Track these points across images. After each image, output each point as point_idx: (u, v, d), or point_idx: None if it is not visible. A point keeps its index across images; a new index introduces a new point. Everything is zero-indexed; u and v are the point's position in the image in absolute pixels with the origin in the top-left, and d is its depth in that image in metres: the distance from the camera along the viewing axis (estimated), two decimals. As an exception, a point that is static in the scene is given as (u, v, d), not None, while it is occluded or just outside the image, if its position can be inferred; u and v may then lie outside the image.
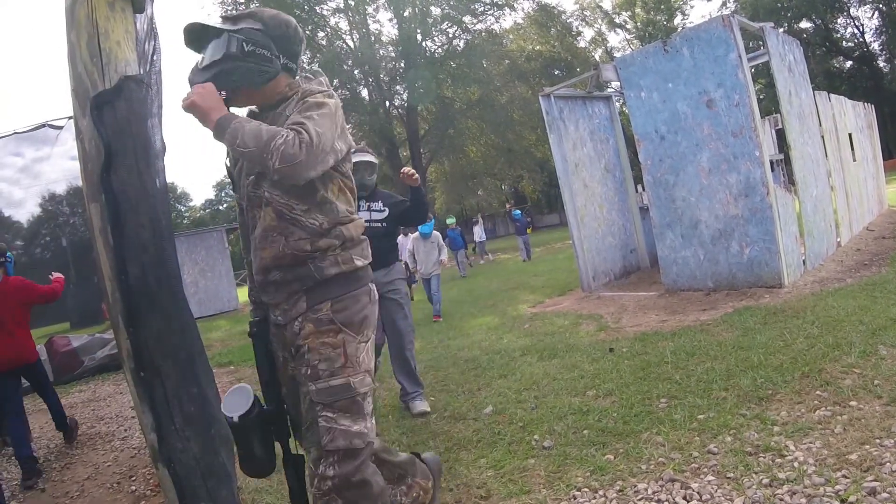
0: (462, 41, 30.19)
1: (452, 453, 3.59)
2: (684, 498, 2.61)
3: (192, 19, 2.30)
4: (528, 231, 19.67)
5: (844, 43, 45.83)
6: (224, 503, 2.51)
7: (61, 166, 10.28)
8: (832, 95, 10.37)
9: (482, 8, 30.03)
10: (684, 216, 7.50)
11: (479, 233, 23.53)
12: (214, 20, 2.25)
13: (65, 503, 3.95)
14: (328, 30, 28.60)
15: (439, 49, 30.32)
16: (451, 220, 17.99)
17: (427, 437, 3.95)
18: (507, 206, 19.14)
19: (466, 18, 29.71)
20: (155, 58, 2.71)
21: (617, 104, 11.24)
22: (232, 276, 20.14)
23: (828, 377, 3.59)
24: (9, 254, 5.10)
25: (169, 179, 2.83)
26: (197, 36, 2.14)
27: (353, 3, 28.09)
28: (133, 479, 4.20)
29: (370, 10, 29.09)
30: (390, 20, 29.95)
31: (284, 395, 2.35)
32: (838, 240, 8.78)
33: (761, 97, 26.92)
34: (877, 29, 44.23)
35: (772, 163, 7.90)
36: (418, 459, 2.69)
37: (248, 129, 1.89)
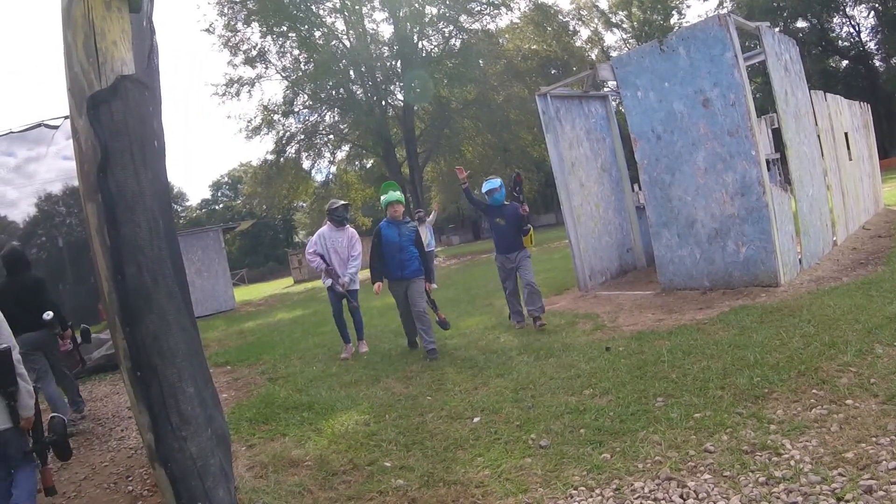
0: (458, 41, 30.14)
1: (449, 452, 3.60)
2: (681, 496, 2.62)
3: None
4: (528, 242, 7.22)
5: (840, 42, 45.91)
6: (221, 503, 2.52)
7: (57, 166, 10.24)
8: (828, 95, 10.39)
9: (478, 7, 29.99)
10: (681, 215, 7.51)
11: (424, 236, 12.54)
12: None
13: (62, 503, 3.94)
14: (324, 29, 28.55)
15: (435, 49, 30.28)
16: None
17: (424, 437, 3.95)
18: (460, 173, 7.22)
19: (462, 18, 29.66)
20: (153, 57, 2.71)
21: (613, 103, 11.25)
22: (228, 275, 20.08)
23: (824, 376, 3.60)
24: None
25: (165, 179, 2.82)
26: None
27: (349, 3, 28.03)
28: (130, 479, 4.19)
29: (366, 9, 29.05)
30: (386, 19, 29.84)
31: None
32: (834, 239, 8.80)
33: (757, 96, 26.93)
34: (873, 28, 44.31)
35: (768, 162, 7.90)
36: None
37: None
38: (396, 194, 6.70)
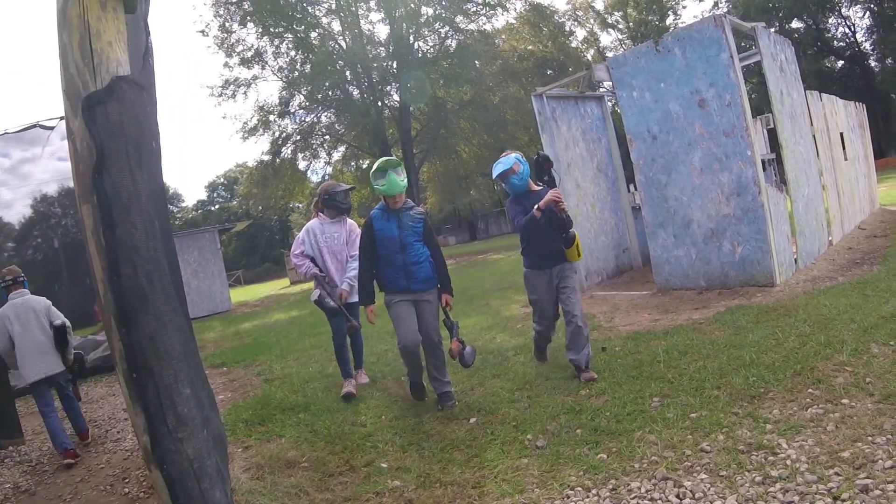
0: (454, 41, 30.21)
1: (446, 453, 3.59)
2: (677, 496, 2.62)
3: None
4: (574, 254, 4.72)
5: (836, 43, 46.08)
6: (218, 505, 2.51)
7: (52, 167, 10.22)
8: (824, 95, 10.41)
9: (474, 8, 30.04)
10: (676, 215, 7.52)
11: None
12: None
13: (57, 506, 3.93)
14: (321, 30, 28.56)
15: (431, 49, 30.34)
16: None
17: (420, 438, 3.94)
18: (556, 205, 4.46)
19: (458, 18, 29.71)
20: (148, 58, 2.70)
21: (609, 104, 11.26)
22: (224, 276, 20.02)
23: (820, 375, 3.60)
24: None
25: (161, 180, 2.81)
26: None
27: (345, 4, 28.05)
28: (126, 481, 4.18)
29: (362, 10, 29.08)
30: (382, 20, 29.91)
31: None
32: (830, 239, 8.83)
33: (753, 96, 27.00)
34: (868, 28, 44.50)
35: (763, 162, 7.93)
36: None
37: None
38: (403, 180, 4.51)
